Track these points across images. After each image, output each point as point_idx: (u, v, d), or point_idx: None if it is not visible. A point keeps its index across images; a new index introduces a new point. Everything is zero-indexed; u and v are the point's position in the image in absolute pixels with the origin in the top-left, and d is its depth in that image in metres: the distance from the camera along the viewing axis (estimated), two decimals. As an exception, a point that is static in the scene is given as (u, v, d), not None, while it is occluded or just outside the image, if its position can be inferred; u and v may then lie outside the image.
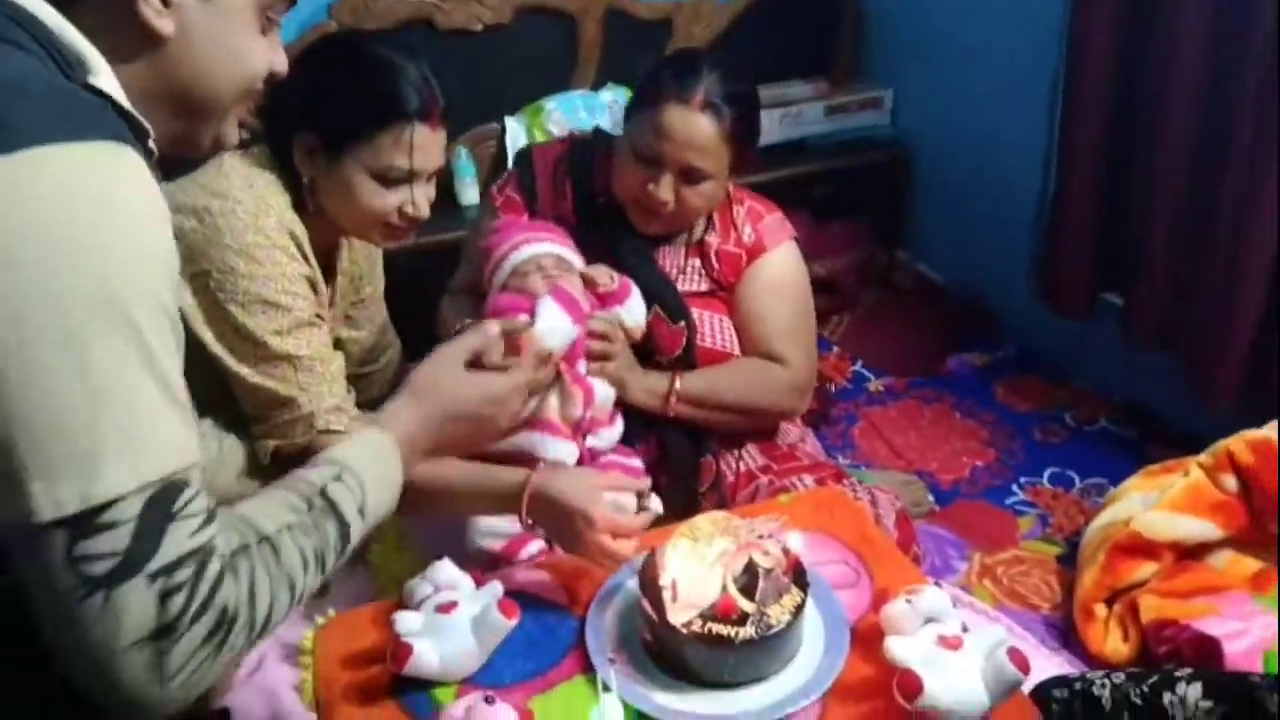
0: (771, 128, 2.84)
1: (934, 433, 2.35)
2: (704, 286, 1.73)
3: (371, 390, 1.72)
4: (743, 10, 2.88)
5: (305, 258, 1.38)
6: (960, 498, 2.14)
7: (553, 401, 1.48)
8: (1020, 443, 2.30)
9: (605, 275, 1.57)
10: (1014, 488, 2.15)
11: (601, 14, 2.72)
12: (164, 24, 0.84)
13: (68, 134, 0.71)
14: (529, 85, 2.69)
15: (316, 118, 1.37)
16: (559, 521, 1.24)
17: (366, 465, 1.01)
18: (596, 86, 2.78)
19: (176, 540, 0.73)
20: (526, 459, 1.43)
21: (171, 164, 1.00)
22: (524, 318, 1.45)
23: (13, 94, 0.71)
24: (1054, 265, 2.40)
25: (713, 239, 1.72)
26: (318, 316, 1.39)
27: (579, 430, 1.49)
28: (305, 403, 1.34)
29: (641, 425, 1.64)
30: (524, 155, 1.79)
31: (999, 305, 2.73)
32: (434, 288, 1.81)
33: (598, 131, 1.82)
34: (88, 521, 0.69)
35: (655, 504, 1.27)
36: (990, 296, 2.75)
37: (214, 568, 0.76)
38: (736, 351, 1.72)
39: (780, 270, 1.73)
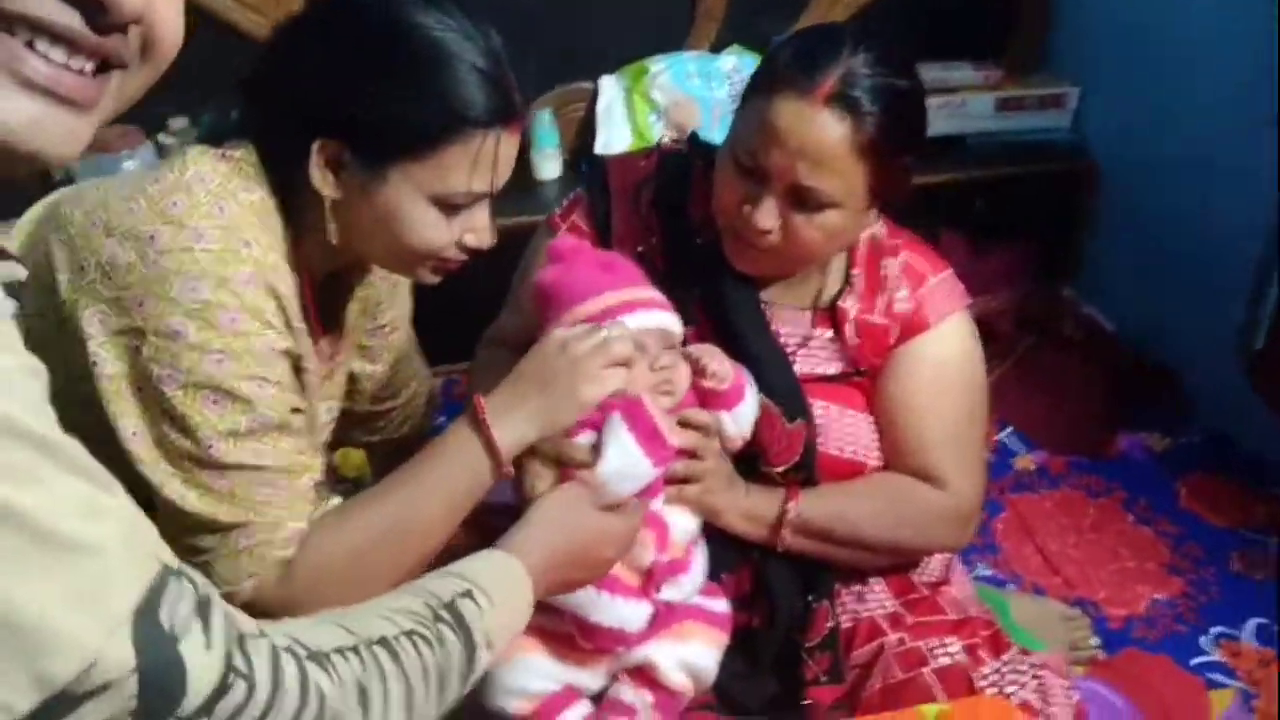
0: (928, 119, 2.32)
1: (1100, 541, 1.85)
2: (834, 368, 1.26)
3: (387, 429, 1.42)
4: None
5: (288, 323, 0.98)
6: (1132, 644, 1.64)
7: None
8: (1213, 571, 1.78)
9: (719, 365, 1.12)
10: (1204, 641, 1.65)
11: (724, -39, 2.21)
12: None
13: None
14: (633, 40, 2.23)
15: (345, 121, 0.95)
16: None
17: (499, 588, 0.87)
18: (717, 48, 2.29)
19: (199, 659, 0.56)
20: (581, 629, 1.06)
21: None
22: (584, 443, 1.04)
23: None
24: (1274, 342, 1.85)
25: (850, 303, 1.24)
26: (294, 411, 0.99)
27: (651, 580, 1.07)
28: (252, 531, 0.95)
29: (735, 551, 1.22)
30: (596, 173, 1.32)
31: (1188, 372, 2.17)
32: (498, 284, 1.36)
33: (696, 141, 1.34)
34: (64, 706, 0.50)
35: None
36: (1178, 359, 2.19)
37: (270, 664, 0.62)
38: (874, 462, 1.26)
39: (949, 355, 1.25)
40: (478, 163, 0.97)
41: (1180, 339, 2.18)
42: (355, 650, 0.71)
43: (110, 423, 0.92)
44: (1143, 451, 2.07)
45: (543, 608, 0.97)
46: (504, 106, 0.97)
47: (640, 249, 1.25)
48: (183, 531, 0.94)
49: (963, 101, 2.35)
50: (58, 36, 0.53)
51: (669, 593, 1.07)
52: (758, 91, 1.13)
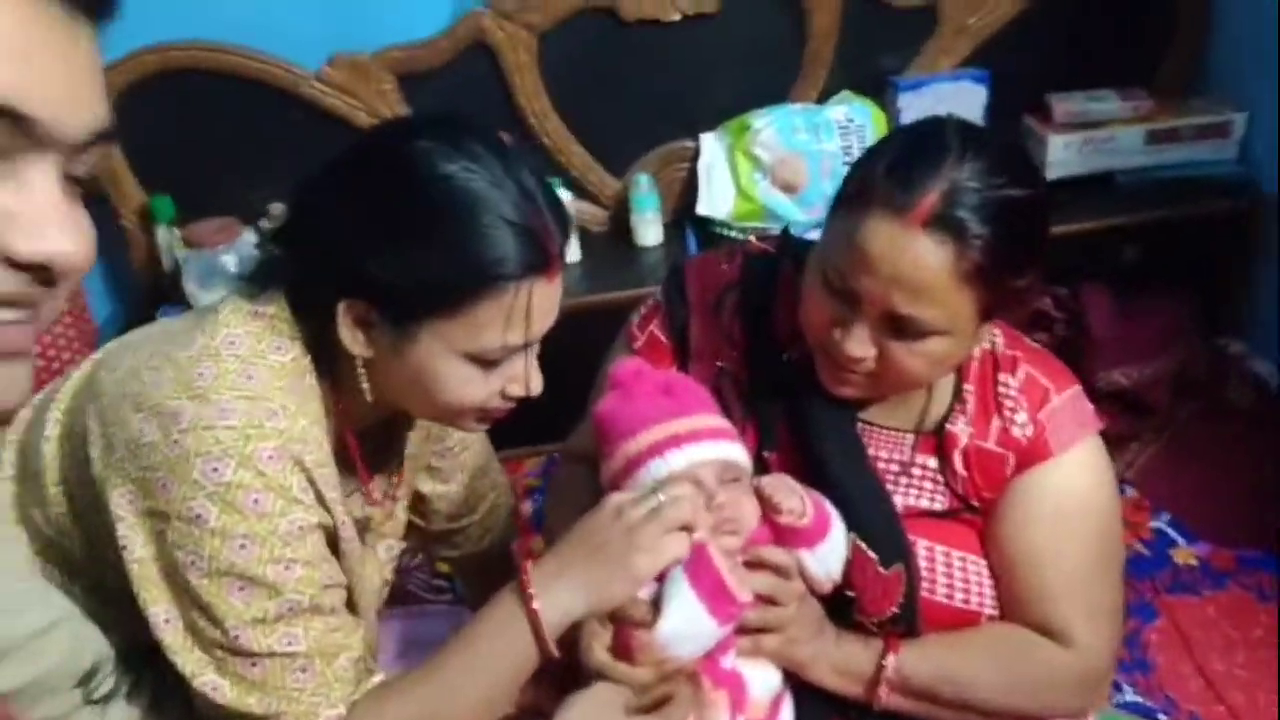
0: (1068, 157, 2.11)
1: (1273, 659, 1.59)
2: (940, 504, 1.09)
3: (466, 545, 1.36)
4: (1040, -8, 2.12)
5: (319, 497, 0.93)
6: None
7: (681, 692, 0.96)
8: None
9: (794, 500, 0.99)
10: None
11: (841, 2, 2.05)
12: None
13: None
14: (735, 93, 2.10)
15: (369, 281, 0.89)
16: None
17: None
18: (825, 98, 2.14)
19: None
20: None
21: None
22: (644, 598, 0.94)
23: None
24: None
25: (960, 427, 1.08)
26: (326, 589, 0.94)
27: None
28: (291, 719, 0.90)
29: (826, 705, 1.07)
30: (675, 277, 1.20)
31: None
32: (598, 355, 1.26)
33: (786, 240, 1.20)
34: None
35: None
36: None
37: None
38: (989, 610, 1.09)
39: (1072, 489, 1.07)
40: (511, 317, 0.90)
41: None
42: None
43: (140, 607, 0.89)
44: (1330, 543, 1.79)
45: None
46: (537, 256, 0.89)
47: (720, 364, 1.13)
48: (209, 712, 0.91)
49: (1110, 136, 2.11)
50: (7, 303, 0.49)
51: None
52: (848, 204, 0.98)
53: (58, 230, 0.50)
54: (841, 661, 1.05)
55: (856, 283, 0.96)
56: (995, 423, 1.07)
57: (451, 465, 1.25)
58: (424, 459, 1.20)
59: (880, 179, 0.95)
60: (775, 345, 1.11)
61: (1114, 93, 2.15)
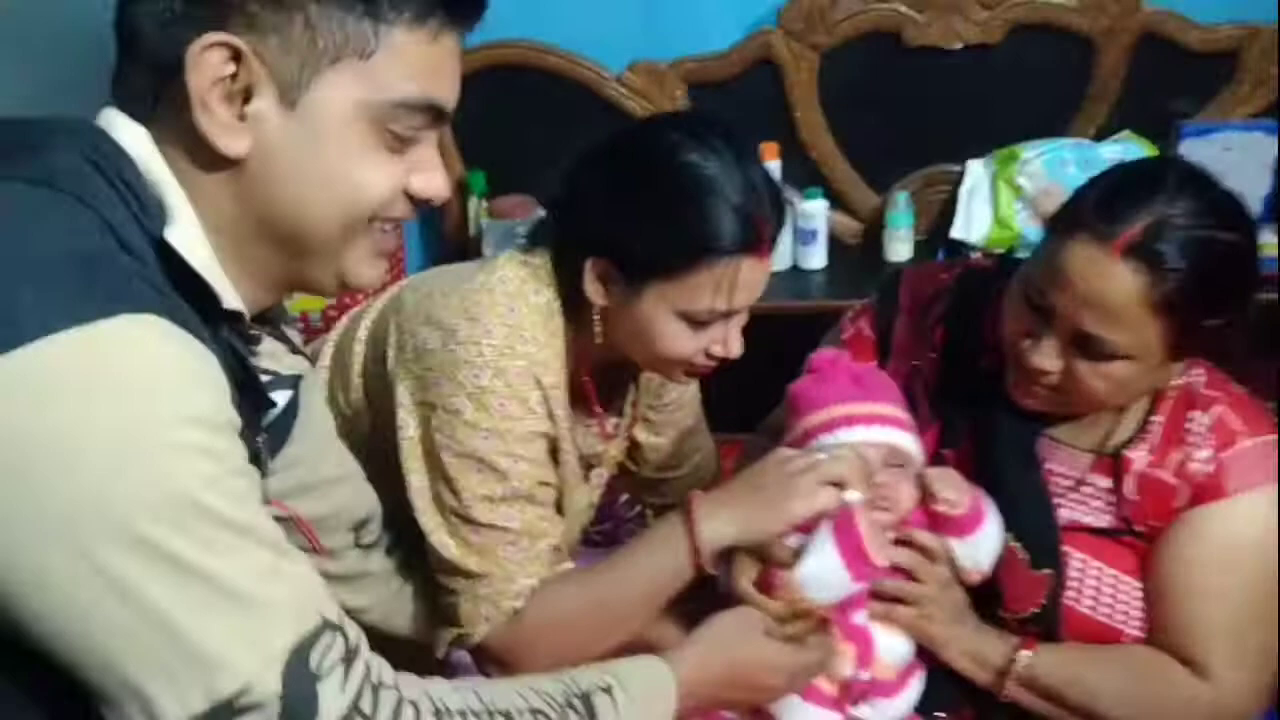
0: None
1: None
2: (1104, 521, 1.14)
3: (671, 495, 1.50)
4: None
5: (550, 412, 1.15)
6: None
7: None
8: None
9: (951, 491, 1.09)
10: None
11: (1133, 38, 2.08)
12: (235, 143, 0.71)
13: (72, 318, 0.61)
14: (1010, 123, 2.14)
15: (613, 243, 1.10)
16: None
17: (641, 691, 0.93)
18: (1104, 136, 2.14)
19: (335, 698, 0.69)
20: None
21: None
22: (794, 542, 1.07)
23: (20, 278, 0.62)
24: None
25: (1138, 453, 1.12)
26: (542, 485, 1.15)
27: (849, 694, 1.08)
28: (494, 580, 1.12)
29: (956, 690, 1.16)
30: (892, 280, 1.32)
31: None
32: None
33: (1006, 261, 1.29)
34: (225, 710, 0.65)
35: None
36: None
37: (393, 710, 0.73)
38: (1134, 632, 1.13)
39: (1240, 532, 1.09)
40: (720, 285, 1.06)
41: None
42: (478, 714, 0.80)
43: (404, 476, 1.14)
44: None
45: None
46: (750, 237, 1.05)
47: (915, 363, 1.23)
48: (440, 572, 1.14)
49: None
50: (399, 223, 0.79)
51: (867, 712, 1.07)
52: (1059, 227, 1.07)
53: (440, 176, 0.78)
54: (976, 649, 1.13)
55: (1052, 299, 1.04)
56: (1175, 455, 1.11)
57: (665, 420, 1.43)
58: (643, 409, 1.38)
59: (1091, 206, 1.04)
60: (972, 354, 1.19)
61: None
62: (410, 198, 0.77)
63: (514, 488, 1.11)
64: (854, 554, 1.03)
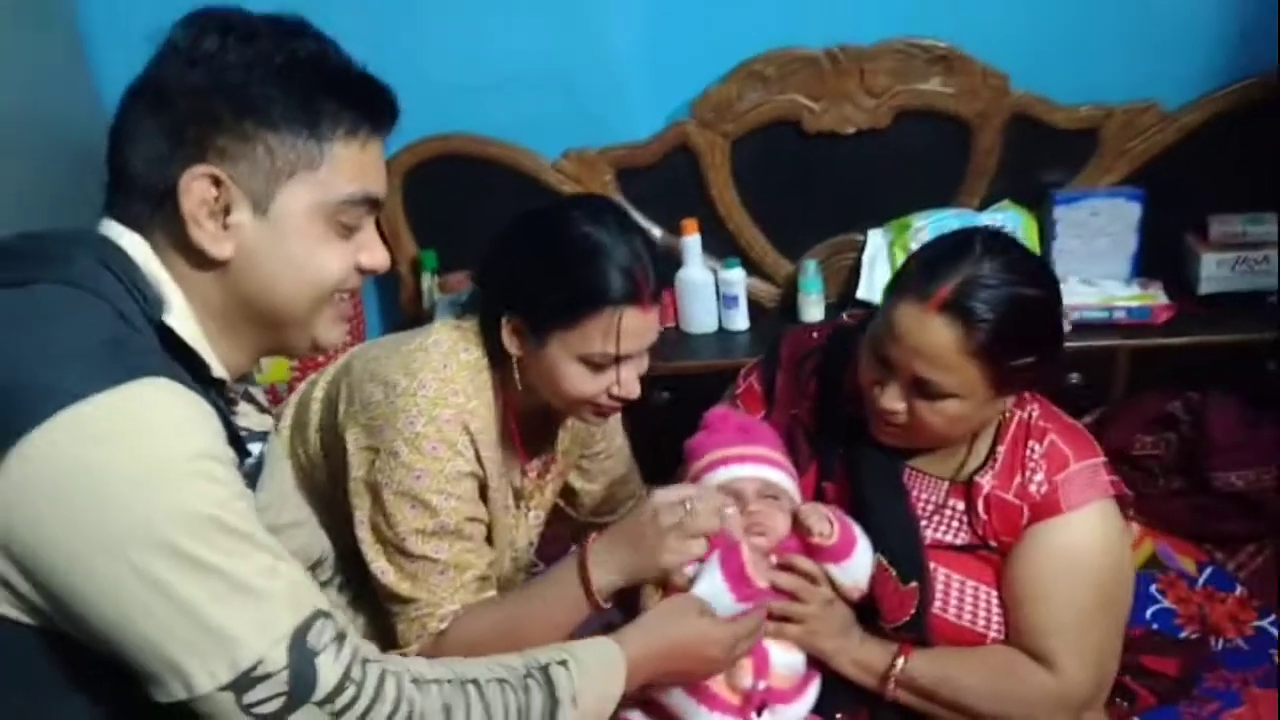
0: (1219, 274, 2.26)
1: (1348, 757, 1.65)
2: (962, 539, 1.34)
3: None
4: (1200, 124, 2.28)
5: (478, 455, 1.33)
6: None
7: None
8: None
9: (822, 523, 1.27)
10: None
11: (1004, 121, 2.31)
12: (222, 248, 0.90)
13: (104, 381, 0.78)
14: (903, 196, 2.36)
15: (521, 301, 1.31)
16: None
17: (593, 664, 1.08)
18: (985, 205, 2.37)
19: (330, 668, 0.86)
20: None
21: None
22: (690, 570, 1.24)
23: (65, 356, 0.80)
24: None
25: (986, 479, 1.32)
26: (470, 520, 1.33)
27: (750, 702, 1.22)
28: (424, 604, 1.30)
29: (854, 694, 1.32)
30: (775, 341, 1.53)
31: None
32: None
33: (866, 321, 1.49)
34: (245, 679, 0.81)
35: None
36: None
37: (377, 683, 0.89)
38: (995, 634, 1.31)
39: (1077, 543, 1.28)
40: (609, 331, 1.27)
41: None
42: (450, 682, 0.97)
43: (351, 511, 1.32)
44: None
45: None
46: (631, 291, 1.27)
47: (794, 411, 1.43)
48: (382, 597, 1.32)
49: (1264, 257, 2.23)
50: (351, 292, 1.00)
51: (767, 718, 1.22)
52: (891, 291, 1.28)
53: (381, 251, 1.00)
54: (861, 657, 1.30)
55: (889, 351, 1.24)
56: (1017, 479, 1.30)
57: (597, 468, 1.62)
58: (574, 456, 1.57)
59: (914, 271, 1.25)
60: (840, 401, 1.39)
61: (1275, 216, 2.25)
62: (360, 270, 0.98)
63: (443, 523, 1.28)
64: (737, 578, 1.20)
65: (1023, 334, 1.22)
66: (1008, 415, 1.33)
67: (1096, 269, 2.32)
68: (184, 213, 0.88)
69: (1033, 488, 1.30)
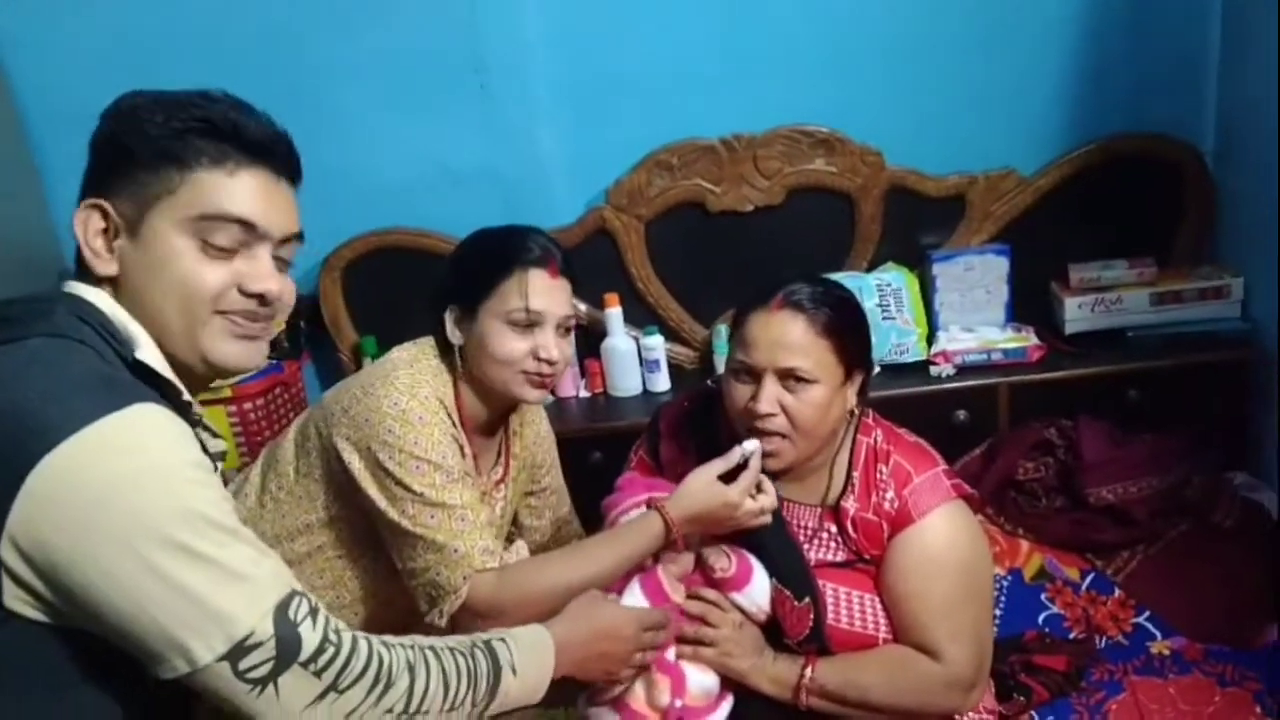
0: (1081, 315, 2.53)
1: (1218, 731, 1.87)
2: (841, 557, 1.54)
3: None
4: (1054, 185, 2.58)
5: (454, 424, 1.53)
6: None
7: (638, 688, 1.41)
8: (1333, 771, 1.76)
9: (722, 558, 1.47)
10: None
11: (883, 193, 2.57)
12: (107, 267, 1.05)
13: (105, 409, 0.92)
14: (799, 263, 2.56)
15: (454, 292, 1.56)
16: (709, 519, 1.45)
17: (526, 642, 1.22)
18: (874, 266, 2.64)
19: (310, 635, 0.98)
20: None
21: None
22: (611, 598, 1.42)
23: (68, 392, 0.94)
24: None
25: (850, 503, 1.53)
26: (465, 475, 1.51)
27: (668, 718, 1.39)
28: (460, 546, 1.45)
29: (770, 708, 1.49)
30: (655, 415, 1.75)
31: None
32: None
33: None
34: (239, 650, 0.93)
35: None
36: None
37: (351, 644, 1.01)
38: (884, 635, 1.51)
39: (932, 543, 1.49)
40: (523, 289, 1.52)
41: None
42: (411, 647, 1.09)
43: (364, 498, 1.48)
44: (1293, 645, 2.05)
45: None
46: (538, 257, 1.53)
47: (681, 471, 1.57)
48: (413, 561, 1.46)
49: (1118, 298, 2.51)
50: (251, 315, 1.10)
51: None
52: (737, 324, 1.52)
53: (269, 279, 1.09)
54: (774, 673, 1.47)
55: (753, 359, 1.46)
56: (873, 498, 1.51)
57: (543, 504, 1.82)
58: (523, 485, 1.77)
59: (750, 301, 1.50)
60: (717, 451, 1.53)
61: (1124, 262, 2.54)
62: (243, 293, 1.07)
63: (449, 472, 1.46)
64: (655, 594, 1.39)
65: (847, 317, 1.49)
66: (857, 442, 1.55)
67: (975, 317, 2.58)
68: (80, 241, 1.04)
69: (886, 505, 1.50)
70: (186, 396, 1.09)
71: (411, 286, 2.55)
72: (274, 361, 2.53)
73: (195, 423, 1.10)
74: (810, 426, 1.47)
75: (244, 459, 2.43)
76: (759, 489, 1.47)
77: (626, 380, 2.62)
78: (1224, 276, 2.49)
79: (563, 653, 1.26)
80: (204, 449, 1.08)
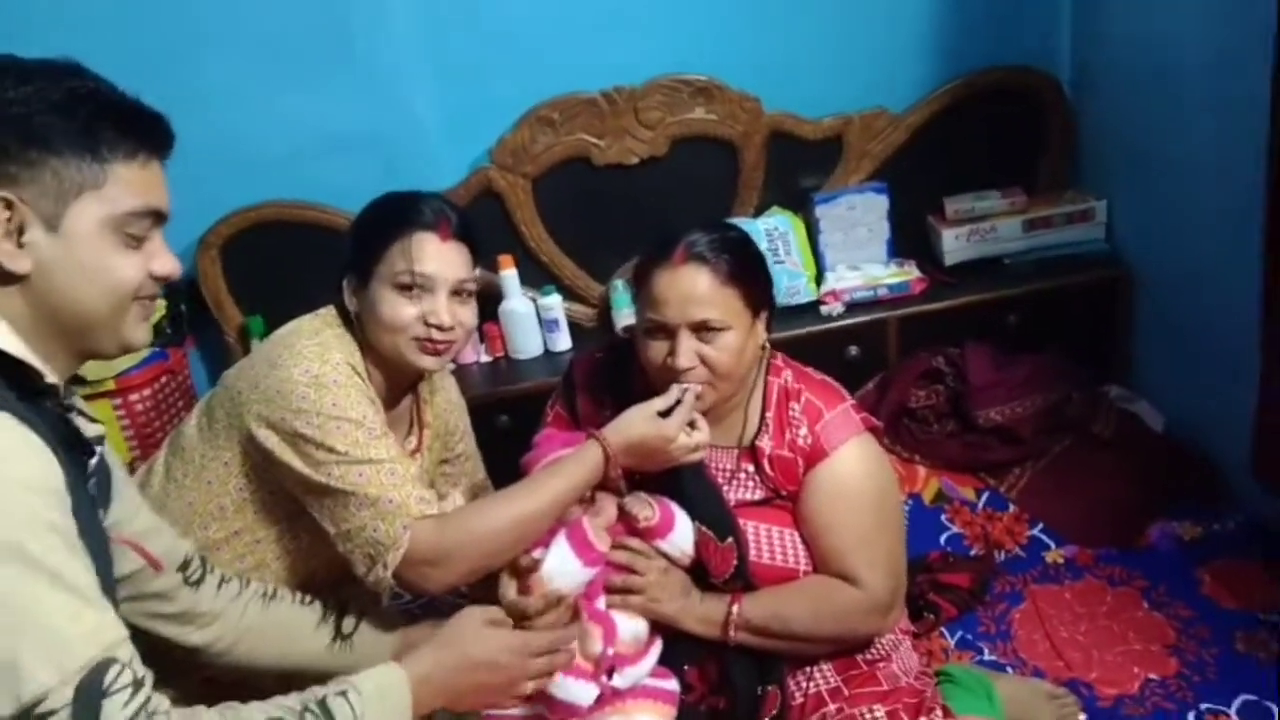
0: (959, 246, 2.62)
1: (1109, 626, 2.00)
2: (759, 495, 1.58)
3: None
4: (925, 121, 2.65)
5: (367, 386, 1.51)
6: (1119, 720, 1.80)
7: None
8: (1214, 653, 1.90)
9: (645, 508, 1.48)
10: (1190, 716, 1.79)
11: (763, 138, 2.61)
12: (20, 264, 0.98)
13: None
14: (687, 213, 2.57)
15: (352, 256, 1.55)
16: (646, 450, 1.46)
17: (374, 692, 1.11)
18: (760, 211, 2.68)
19: (115, 713, 0.87)
20: (543, 697, 1.38)
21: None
22: (537, 554, 1.42)
23: None
24: (1266, 427, 1.98)
25: (765, 442, 1.57)
26: (385, 433, 1.48)
27: (601, 667, 1.40)
28: (394, 497, 1.42)
29: (700, 646, 1.52)
30: (568, 368, 1.75)
31: (1224, 464, 2.30)
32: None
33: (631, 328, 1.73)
34: (28, 715, 0.83)
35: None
36: (1214, 453, 2.33)
37: None
38: (804, 567, 1.55)
39: (845, 476, 1.54)
40: (408, 252, 1.50)
41: (1216, 432, 2.32)
42: None
43: (287, 471, 1.44)
44: (1171, 541, 2.19)
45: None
46: (426, 220, 1.52)
47: (597, 423, 1.57)
48: (347, 514, 1.41)
49: (991, 227, 2.61)
50: (150, 297, 1.08)
51: (618, 680, 1.40)
52: (641, 281, 1.53)
53: (170, 259, 1.09)
54: (703, 613, 1.49)
55: (666, 316, 1.47)
56: (787, 435, 1.55)
57: (458, 471, 1.81)
58: (437, 455, 1.75)
59: (651, 255, 1.51)
60: (634, 401, 1.53)
61: (997, 192, 2.65)
62: (154, 277, 1.07)
63: (370, 430, 1.44)
64: (581, 545, 1.40)
65: (748, 260, 1.52)
66: (769, 384, 1.59)
67: (859, 255, 2.66)
68: None
69: (800, 441, 1.55)
70: (51, 378, 1.02)
71: (295, 261, 2.53)
72: (157, 350, 2.42)
73: (66, 407, 1.07)
74: (728, 370, 1.50)
75: (134, 454, 2.34)
76: (692, 426, 1.48)
77: (527, 342, 2.61)
78: (1088, 200, 2.62)
79: (425, 687, 1.18)
80: (79, 436, 1.04)
